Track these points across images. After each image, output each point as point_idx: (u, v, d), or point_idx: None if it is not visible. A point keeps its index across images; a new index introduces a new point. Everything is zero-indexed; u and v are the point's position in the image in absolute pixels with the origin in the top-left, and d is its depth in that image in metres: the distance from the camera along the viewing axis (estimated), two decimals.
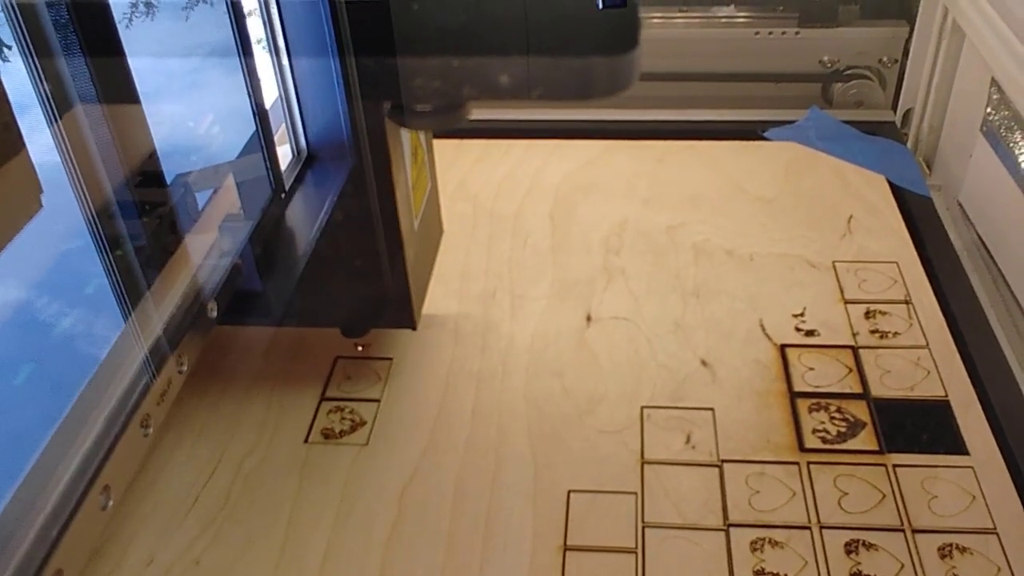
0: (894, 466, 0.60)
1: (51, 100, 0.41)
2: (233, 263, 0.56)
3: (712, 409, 0.64)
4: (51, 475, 0.40)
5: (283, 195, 0.59)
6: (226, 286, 0.53)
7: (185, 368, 0.52)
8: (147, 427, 0.48)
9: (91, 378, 0.44)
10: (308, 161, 0.62)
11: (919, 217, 0.82)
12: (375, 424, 0.65)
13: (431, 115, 0.41)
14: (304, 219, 0.60)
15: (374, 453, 0.63)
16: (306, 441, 0.64)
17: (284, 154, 0.60)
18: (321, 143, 0.61)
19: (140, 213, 0.48)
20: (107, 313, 0.46)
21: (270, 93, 0.58)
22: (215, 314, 0.55)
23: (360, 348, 0.70)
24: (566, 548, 0.56)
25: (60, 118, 0.41)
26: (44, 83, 0.40)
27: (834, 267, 0.76)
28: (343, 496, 0.60)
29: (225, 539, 0.58)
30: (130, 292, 0.47)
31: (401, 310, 0.63)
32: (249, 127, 0.56)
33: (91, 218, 0.44)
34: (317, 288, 0.62)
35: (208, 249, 0.53)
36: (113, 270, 0.46)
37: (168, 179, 0.50)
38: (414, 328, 0.63)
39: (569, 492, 0.59)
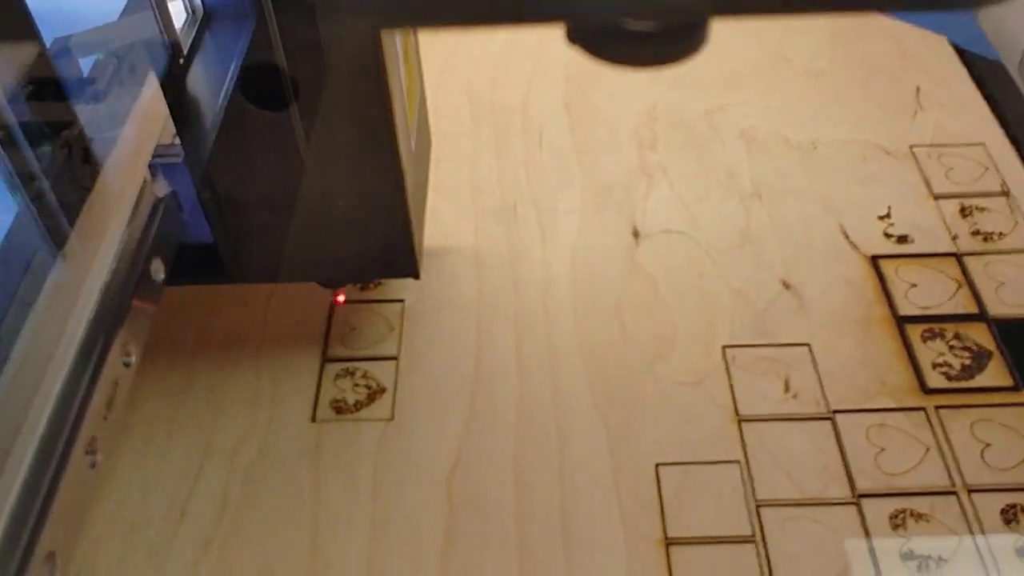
0: None
1: None
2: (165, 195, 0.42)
3: (808, 345, 0.53)
4: None
5: (181, 60, 0.45)
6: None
7: (133, 360, 0.38)
8: (94, 453, 0.34)
9: None
10: (205, 22, 0.47)
11: (992, 84, 0.71)
12: (397, 390, 0.52)
13: (658, 41, 0.25)
14: (209, 90, 0.45)
15: (404, 431, 0.50)
16: (314, 419, 0.51)
17: (177, 12, 0.46)
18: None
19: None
20: None
21: None
22: (162, 276, 0.41)
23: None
24: (668, 542, 0.45)
25: None
26: None
27: (913, 153, 0.65)
28: (376, 493, 0.47)
29: (232, 563, 0.45)
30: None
31: (401, 256, 0.48)
32: None
33: None
34: (288, 233, 0.47)
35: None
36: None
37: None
38: (417, 276, 0.49)
39: (657, 466, 0.48)
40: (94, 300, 0.34)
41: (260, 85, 0.43)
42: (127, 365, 0.37)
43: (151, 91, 0.41)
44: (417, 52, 0.53)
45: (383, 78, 0.42)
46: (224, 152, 0.43)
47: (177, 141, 0.41)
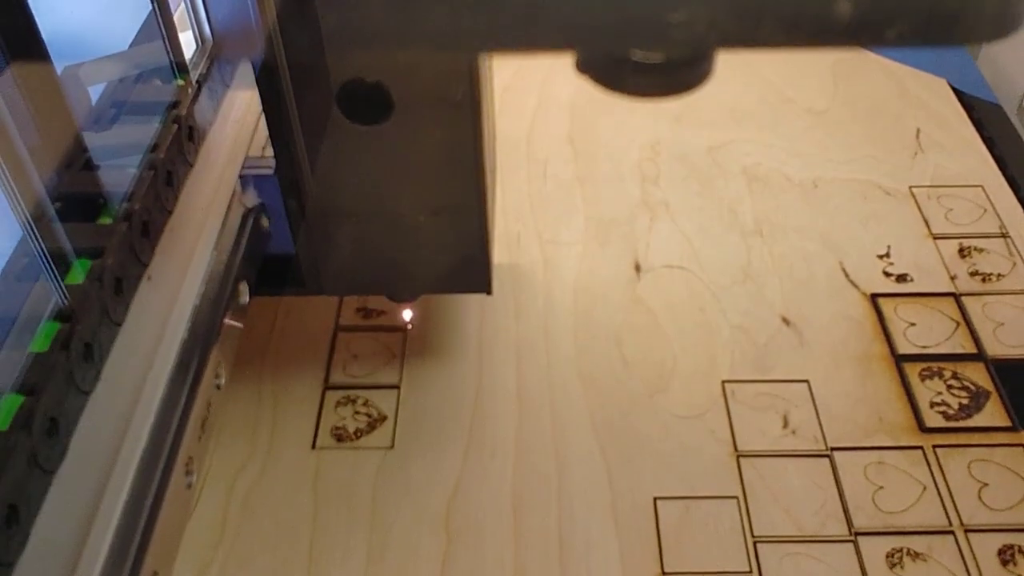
0: None
1: None
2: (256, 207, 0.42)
3: (807, 381, 0.53)
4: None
5: (190, 88, 0.45)
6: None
7: (223, 381, 0.38)
8: (191, 473, 0.34)
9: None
10: (215, 51, 0.48)
11: (991, 128, 0.71)
12: (398, 419, 0.52)
13: (665, 72, 0.26)
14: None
15: (404, 459, 0.50)
16: (314, 447, 0.51)
17: (187, 42, 0.46)
18: (228, 28, 0.47)
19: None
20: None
21: None
22: (247, 299, 0.42)
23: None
24: None
25: None
26: None
27: (912, 194, 0.65)
28: (374, 521, 0.47)
29: None
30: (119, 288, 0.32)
31: (476, 271, 0.49)
32: (139, 10, 0.42)
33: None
34: (368, 247, 0.48)
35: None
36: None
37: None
38: (489, 292, 0.50)
39: (655, 499, 0.48)
40: (185, 322, 0.35)
41: (351, 100, 0.43)
42: (219, 387, 0.37)
43: (240, 111, 0.42)
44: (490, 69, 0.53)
45: (477, 99, 0.42)
46: (315, 164, 0.44)
47: (268, 153, 0.42)
